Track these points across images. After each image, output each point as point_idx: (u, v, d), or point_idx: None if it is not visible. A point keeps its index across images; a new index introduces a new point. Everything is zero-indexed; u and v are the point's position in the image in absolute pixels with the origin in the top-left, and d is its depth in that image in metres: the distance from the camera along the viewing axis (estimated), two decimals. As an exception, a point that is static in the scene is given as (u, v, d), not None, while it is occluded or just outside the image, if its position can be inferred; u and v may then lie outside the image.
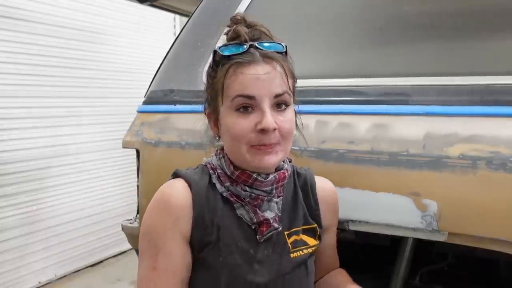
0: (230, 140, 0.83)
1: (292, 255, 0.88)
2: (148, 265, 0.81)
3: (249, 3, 1.48)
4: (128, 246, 1.92)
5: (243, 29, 0.83)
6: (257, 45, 0.82)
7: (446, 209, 1.06)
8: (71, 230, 3.36)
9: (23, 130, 2.97)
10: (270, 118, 0.79)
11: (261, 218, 0.85)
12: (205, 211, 0.82)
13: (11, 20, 2.86)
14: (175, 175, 0.87)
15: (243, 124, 0.80)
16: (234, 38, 0.83)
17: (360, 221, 1.17)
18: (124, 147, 1.57)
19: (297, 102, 0.91)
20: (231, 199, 0.85)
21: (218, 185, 0.86)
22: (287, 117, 0.83)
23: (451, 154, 1.05)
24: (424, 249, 1.30)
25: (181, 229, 0.81)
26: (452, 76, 1.13)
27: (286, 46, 0.86)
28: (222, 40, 1.46)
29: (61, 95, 3.21)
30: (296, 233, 0.91)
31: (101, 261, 3.62)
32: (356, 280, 1.02)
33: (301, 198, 0.95)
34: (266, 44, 0.83)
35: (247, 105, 0.80)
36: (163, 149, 1.44)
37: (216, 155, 0.89)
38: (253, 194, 0.85)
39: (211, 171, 0.87)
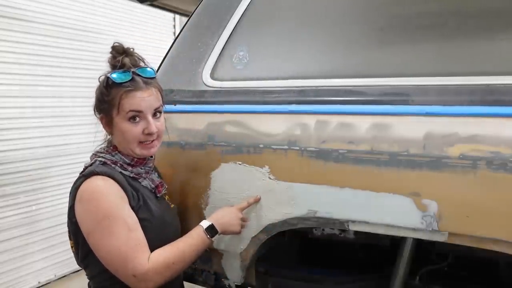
0: (124, 140, 1.19)
1: (171, 206, 1.34)
2: (123, 231, 1.09)
3: (249, 3, 1.48)
4: (128, 246, 1.91)
5: (127, 60, 1.18)
6: (139, 73, 1.18)
7: (447, 210, 1.06)
8: (71, 230, 3.36)
9: (23, 130, 2.97)
10: (153, 125, 1.18)
11: (157, 183, 1.29)
12: (128, 188, 1.17)
13: (11, 20, 2.86)
14: (91, 174, 1.15)
15: (135, 130, 1.18)
16: (121, 67, 1.17)
17: (360, 221, 1.17)
18: (124, 147, 1.57)
19: (163, 105, 1.26)
20: (136, 176, 1.24)
21: (124, 172, 1.20)
22: (161, 121, 1.23)
23: (451, 154, 1.05)
24: (424, 249, 1.30)
25: (125, 201, 1.15)
26: (452, 76, 1.13)
27: (155, 71, 1.25)
28: (222, 40, 1.47)
29: (61, 95, 3.21)
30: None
31: (101, 261, 3.62)
32: (356, 280, 1.02)
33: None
34: (145, 73, 1.19)
35: (136, 116, 1.17)
36: (163, 149, 1.44)
37: (107, 152, 1.23)
38: (146, 170, 1.27)
39: (113, 165, 1.19)
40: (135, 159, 1.23)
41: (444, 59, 1.20)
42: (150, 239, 1.14)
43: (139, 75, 1.18)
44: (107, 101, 1.18)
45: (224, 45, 1.45)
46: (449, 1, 1.27)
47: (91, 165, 1.20)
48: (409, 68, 1.22)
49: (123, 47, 1.21)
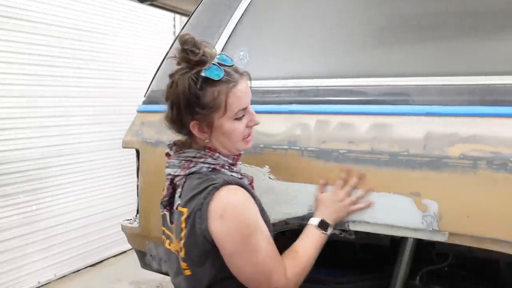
0: (230, 141, 1.08)
1: None
2: (263, 243, 1.00)
3: (249, 3, 1.47)
4: (128, 246, 1.92)
5: (209, 51, 1.03)
6: (223, 62, 1.03)
7: (447, 210, 1.06)
8: (71, 230, 3.35)
9: (23, 129, 2.97)
10: (256, 116, 1.09)
11: (250, 179, 1.17)
12: (254, 194, 1.08)
13: (11, 20, 2.86)
14: (223, 184, 1.01)
15: (241, 127, 1.07)
16: (205, 61, 1.01)
17: (360, 221, 1.17)
18: (124, 147, 1.57)
19: None
20: (241, 177, 1.12)
21: (234, 174, 1.09)
22: None
23: (451, 154, 1.05)
24: (424, 249, 1.30)
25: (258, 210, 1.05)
26: (452, 76, 1.13)
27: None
28: (222, 40, 1.47)
29: (61, 95, 3.21)
30: None
31: (101, 261, 3.62)
32: (356, 280, 1.02)
33: None
34: (227, 61, 1.05)
35: (243, 114, 1.06)
36: (163, 149, 1.44)
37: (207, 156, 1.08)
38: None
39: (222, 169, 1.07)
40: (234, 156, 1.12)
41: (444, 59, 1.20)
42: None
43: (224, 65, 1.03)
44: (206, 104, 1.02)
45: (224, 45, 1.45)
46: (449, 1, 1.27)
47: (193, 173, 1.06)
48: (409, 68, 1.22)
49: (194, 38, 1.03)
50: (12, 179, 2.93)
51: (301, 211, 1.23)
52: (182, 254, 1.04)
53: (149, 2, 2.94)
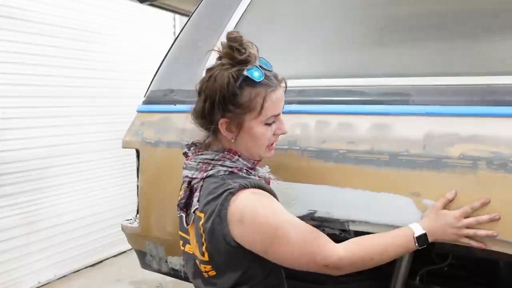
0: (255, 145, 1.07)
1: None
2: (296, 231, 0.99)
3: (249, 3, 1.47)
4: (128, 246, 1.91)
5: (255, 53, 1.02)
6: (264, 66, 1.03)
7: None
8: (71, 230, 3.35)
9: (23, 130, 2.97)
10: (285, 125, 1.09)
11: (268, 180, 1.19)
12: (273, 192, 1.07)
13: (11, 20, 2.86)
14: (240, 188, 1.01)
15: (269, 133, 1.07)
16: (247, 61, 1.01)
17: (360, 221, 1.17)
18: (124, 147, 1.57)
19: None
20: (260, 179, 1.12)
21: (252, 177, 1.08)
22: None
23: (451, 154, 1.05)
24: (424, 249, 1.30)
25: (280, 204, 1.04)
26: (452, 76, 1.13)
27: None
28: (222, 40, 1.47)
29: (61, 95, 3.21)
30: None
31: (101, 261, 3.62)
32: (356, 280, 1.02)
33: None
34: (268, 65, 1.05)
35: (274, 120, 1.06)
36: (163, 149, 1.44)
37: (225, 159, 1.06)
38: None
39: (240, 173, 1.07)
40: (255, 161, 1.12)
41: (444, 59, 1.20)
42: None
43: (265, 69, 1.03)
44: (241, 104, 1.02)
45: (224, 45, 1.45)
46: (449, 1, 1.27)
47: (210, 176, 1.05)
48: (409, 68, 1.22)
49: (241, 37, 1.03)
50: (12, 179, 2.93)
51: (300, 211, 1.23)
52: (206, 257, 1.05)
53: (149, 2, 2.94)
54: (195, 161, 1.09)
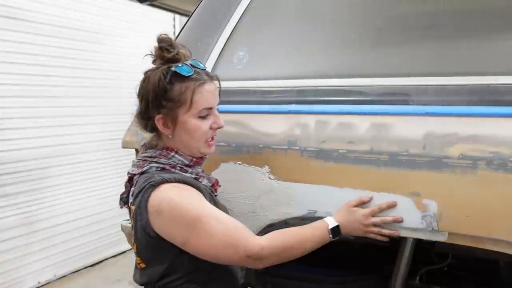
0: (192, 139, 1.11)
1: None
2: (218, 224, 1.02)
3: (249, 3, 1.47)
4: (127, 246, 1.92)
5: (184, 52, 1.10)
6: (195, 65, 1.10)
7: (447, 209, 1.06)
8: (71, 230, 3.35)
9: (23, 130, 2.97)
10: (221, 119, 1.13)
11: (213, 181, 1.21)
12: (202, 187, 1.12)
13: (11, 20, 2.86)
14: (161, 182, 1.05)
15: (204, 126, 1.11)
16: (178, 60, 1.08)
17: (360, 221, 1.17)
18: (123, 147, 1.57)
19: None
20: (197, 177, 1.15)
21: (186, 174, 1.12)
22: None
23: (451, 154, 1.05)
24: (424, 249, 1.30)
25: (204, 199, 1.08)
26: (452, 76, 1.13)
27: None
28: (222, 40, 1.47)
29: (61, 95, 3.21)
30: None
31: (101, 261, 3.62)
32: (356, 280, 1.02)
33: None
34: (199, 65, 1.12)
35: (208, 113, 1.11)
36: (163, 149, 1.44)
37: (161, 156, 1.12)
38: (202, 169, 1.20)
39: (173, 169, 1.11)
40: (194, 159, 1.15)
41: (444, 59, 1.20)
42: None
43: (196, 67, 1.10)
44: (172, 98, 1.08)
45: (224, 45, 1.45)
46: (448, 1, 1.27)
47: (144, 172, 1.10)
48: (409, 68, 1.22)
49: (171, 38, 1.11)
50: (12, 179, 2.93)
51: (300, 211, 1.23)
52: (135, 249, 1.12)
53: (149, 2, 2.94)
54: (137, 159, 1.16)
